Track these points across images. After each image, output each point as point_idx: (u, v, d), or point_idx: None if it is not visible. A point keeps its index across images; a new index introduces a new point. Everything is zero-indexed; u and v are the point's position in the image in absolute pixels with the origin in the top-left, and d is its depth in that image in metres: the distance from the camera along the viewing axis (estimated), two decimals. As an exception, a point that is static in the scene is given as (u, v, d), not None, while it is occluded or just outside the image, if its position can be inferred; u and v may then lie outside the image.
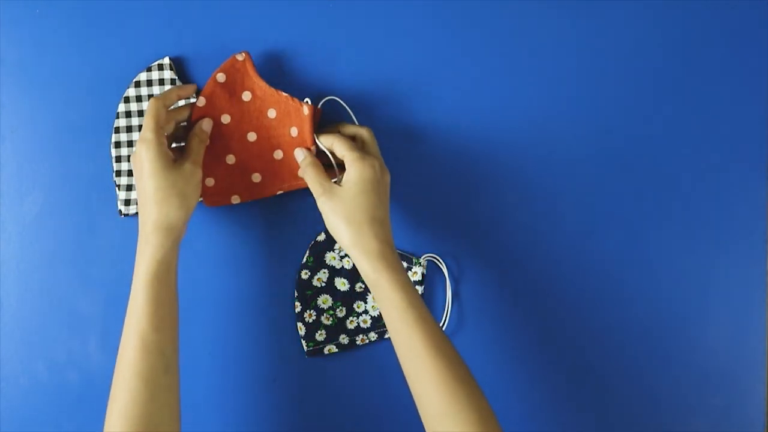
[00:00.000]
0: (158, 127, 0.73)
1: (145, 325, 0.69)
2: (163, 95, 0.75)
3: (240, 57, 0.80)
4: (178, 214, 0.71)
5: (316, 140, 0.77)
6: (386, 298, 0.70)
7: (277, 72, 0.82)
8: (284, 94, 0.78)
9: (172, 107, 0.77)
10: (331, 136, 0.77)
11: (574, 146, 0.83)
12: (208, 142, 0.78)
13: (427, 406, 0.67)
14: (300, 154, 0.78)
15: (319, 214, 0.82)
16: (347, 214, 0.72)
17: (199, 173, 0.74)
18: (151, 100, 0.74)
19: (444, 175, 0.83)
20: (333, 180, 0.75)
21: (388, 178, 0.76)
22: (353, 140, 0.78)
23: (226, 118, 0.80)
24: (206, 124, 0.78)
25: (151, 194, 0.71)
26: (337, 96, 0.81)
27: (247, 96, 0.80)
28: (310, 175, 0.75)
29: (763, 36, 0.83)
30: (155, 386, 0.68)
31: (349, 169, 0.73)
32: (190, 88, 0.79)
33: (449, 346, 0.69)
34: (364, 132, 0.78)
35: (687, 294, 0.84)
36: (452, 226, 0.83)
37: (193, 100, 0.80)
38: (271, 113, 0.80)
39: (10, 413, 0.82)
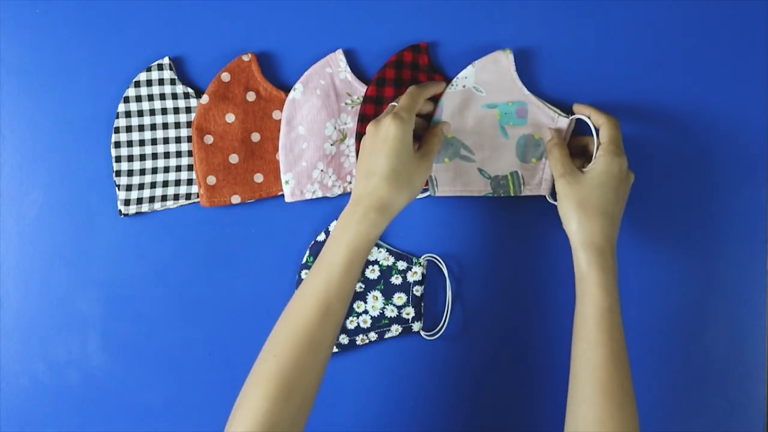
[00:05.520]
0: (414, 111, 0.73)
1: (332, 294, 0.69)
2: (423, 86, 0.76)
3: (246, 58, 0.80)
4: (403, 198, 0.72)
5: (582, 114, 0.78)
6: (590, 294, 0.70)
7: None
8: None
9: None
10: (605, 123, 0.76)
11: (574, 146, 0.83)
12: (441, 141, 0.78)
13: (580, 408, 0.69)
14: (548, 134, 0.79)
15: (319, 216, 0.82)
16: (582, 200, 0.72)
17: (430, 167, 0.75)
18: (412, 87, 0.75)
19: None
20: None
21: (632, 180, 0.76)
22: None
23: (230, 117, 0.80)
24: (446, 127, 0.79)
25: (385, 172, 0.71)
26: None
27: (251, 96, 0.80)
28: (555, 155, 0.76)
29: (763, 36, 0.83)
30: (317, 355, 0.68)
31: (599, 159, 0.74)
32: (441, 85, 0.79)
33: (626, 361, 0.70)
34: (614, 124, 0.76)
35: (687, 294, 0.84)
36: (453, 226, 0.83)
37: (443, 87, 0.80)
38: (276, 114, 0.81)
39: (10, 413, 0.82)
